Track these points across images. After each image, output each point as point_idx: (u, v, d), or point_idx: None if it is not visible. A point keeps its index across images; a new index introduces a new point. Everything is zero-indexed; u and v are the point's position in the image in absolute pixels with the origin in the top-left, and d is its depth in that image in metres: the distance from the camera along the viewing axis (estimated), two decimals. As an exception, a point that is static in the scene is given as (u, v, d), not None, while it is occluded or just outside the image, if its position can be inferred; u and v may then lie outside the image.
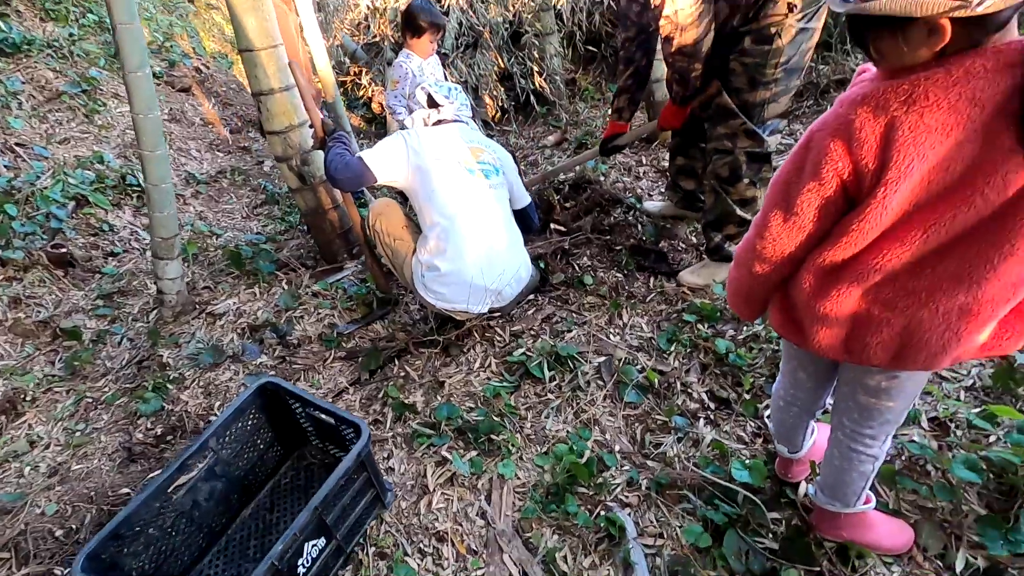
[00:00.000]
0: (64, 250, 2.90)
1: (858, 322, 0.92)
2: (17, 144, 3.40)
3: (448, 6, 3.46)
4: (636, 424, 1.70)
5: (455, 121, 2.04)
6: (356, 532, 1.43)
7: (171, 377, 2.12)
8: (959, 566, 1.20)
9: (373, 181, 1.87)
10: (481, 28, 3.51)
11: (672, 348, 1.87)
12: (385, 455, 1.71)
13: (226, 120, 4.62)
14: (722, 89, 1.88)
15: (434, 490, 1.58)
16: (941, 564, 1.22)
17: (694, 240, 2.37)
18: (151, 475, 1.76)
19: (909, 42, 0.75)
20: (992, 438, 1.40)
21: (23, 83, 3.84)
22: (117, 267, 2.99)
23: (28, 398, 2.20)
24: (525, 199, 2.16)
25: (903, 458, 1.43)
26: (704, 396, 1.72)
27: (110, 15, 1.99)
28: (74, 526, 1.63)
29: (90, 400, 2.17)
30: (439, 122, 2.02)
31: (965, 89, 0.73)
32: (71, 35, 4.39)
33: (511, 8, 3.35)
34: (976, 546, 1.23)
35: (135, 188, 3.46)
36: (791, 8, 1.68)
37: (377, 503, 1.49)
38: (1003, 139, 0.72)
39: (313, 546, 1.28)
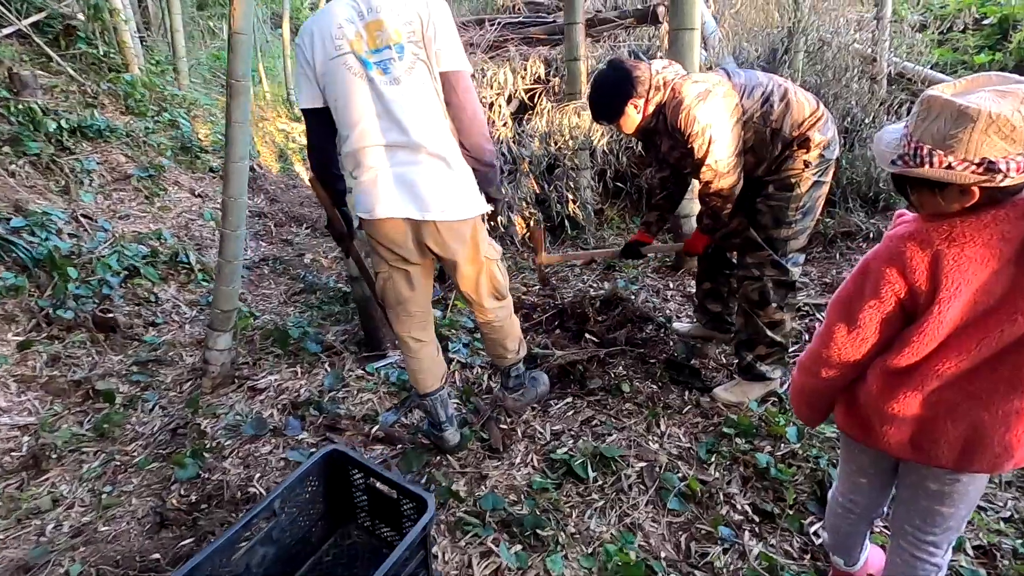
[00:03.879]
0: (111, 315, 2.99)
1: (924, 422, 1.03)
2: (83, 215, 3.64)
3: (497, 137, 3.93)
4: (680, 532, 1.71)
5: None
6: (404, 618, 1.39)
7: (209, 446, 2.12)
8: None
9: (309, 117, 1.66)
10: (522, 159, 3.95)
11: (712, 459, 1.93)
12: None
13: (272, 214, 4.96)
14: (748, 225, 2.15)
15: (480, 582, 1.55)
16: None
17: (723, 360, 2.51)
18: (182, 543, 1.72)
19: (945, 198, 0.96)
20: (1039, 568, 1.44)
21: (98, 164, 4.19)
22: (156, 336, 3.06)
23: (54, 456, 2.17)
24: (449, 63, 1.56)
25: (954, 584, 1.45)
26: (748, 508, 1.74)
27: (228, 114, 2.30)
28: (99, 590, 1.57)
29: (119, 463, 2.14)
30: None
31: (995, 230, 0.92)
32: (146, 128, 4.85)
33: (552, 144, 3.81)
34: None
35: (184, 265, 3.64)
36: (807, 164, 2.00)
37: (425, 589, 1.46)
38: None
39: (369, 623, 1.25)
